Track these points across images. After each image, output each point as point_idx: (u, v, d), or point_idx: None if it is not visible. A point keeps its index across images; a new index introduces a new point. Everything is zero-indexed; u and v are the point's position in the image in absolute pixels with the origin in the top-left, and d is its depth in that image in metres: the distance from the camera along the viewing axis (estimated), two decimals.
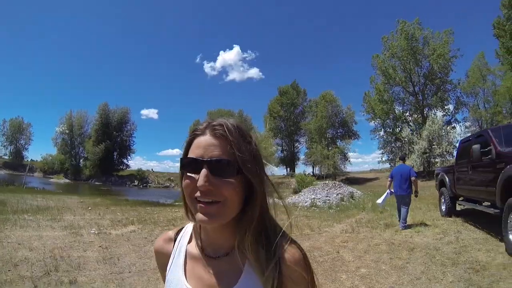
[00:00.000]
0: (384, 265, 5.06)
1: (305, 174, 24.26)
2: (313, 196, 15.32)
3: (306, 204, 14.26)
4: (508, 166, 4.80)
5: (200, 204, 0.69)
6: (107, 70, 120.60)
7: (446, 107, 34.01)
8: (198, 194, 0.69)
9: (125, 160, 63.02)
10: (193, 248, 0.81)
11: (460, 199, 7.75)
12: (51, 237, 7.17)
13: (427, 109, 33.88)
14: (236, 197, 0.70)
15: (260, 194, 0.73)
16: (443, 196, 8.51)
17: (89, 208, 12.82)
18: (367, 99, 37.08)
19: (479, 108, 35.16)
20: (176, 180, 57.90)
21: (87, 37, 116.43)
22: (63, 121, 61.42)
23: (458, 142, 9.24)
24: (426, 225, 7.56)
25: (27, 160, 68.20)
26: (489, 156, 5.58)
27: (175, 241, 0.86)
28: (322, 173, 36.92)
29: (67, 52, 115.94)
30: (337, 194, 15.62)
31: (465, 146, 7.23)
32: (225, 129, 0.70)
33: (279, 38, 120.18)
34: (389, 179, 7.97)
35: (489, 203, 5.93)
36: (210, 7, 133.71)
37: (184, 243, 0.84)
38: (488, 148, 5.66)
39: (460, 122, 35.11)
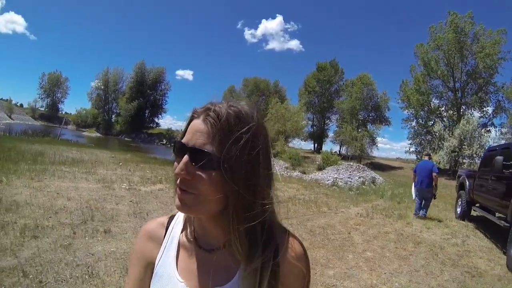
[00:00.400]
0: (388, 253, 5.42)
1: (331, 153, 24.33)
2: (335, 176, 15.58)
3: (328, 182, 14.56)
4: None
5: (178, 190, 0.66)
6: (146, 28, 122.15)
7: (484, 108, 32.41)
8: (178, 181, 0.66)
9: (155, 119, 65.09)
10: (186, 238, 0.76)
11: (476, 205, 7.81)
12: (86, 189, 7.80)
13: (464, 108, 32.54)
14: (212, 193, 0.64)
15: (233, 194, 0.65)
16: (460, 199, 8.60)
17: (120, 163, 13.52)
18: (404, 87, 35.84)
19: None
20: None
21: None
22: (99, 76, 63.86)
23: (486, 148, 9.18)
24: (439, 221, 7.80)
25: (62, 113, 71.77)
26: (510, 170, 5.66)
27: (167, 229, 0.79)
28: (348, 154, 36.81)
29: (108, 12, 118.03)
30: (359, 177, 15.82)
31: (491, 154, 7.23)
32: (216, 116, 0.64)
33: (323, 13, 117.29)
34: (413, 173, 8.36)
35: (502, 215, 6.04)
36: None
37: (177, 232, 0.78)
38: (511, 162, 5.73)
39: (497, 127, 33.39)
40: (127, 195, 7.76)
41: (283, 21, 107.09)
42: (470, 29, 30.79)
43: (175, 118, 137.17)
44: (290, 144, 35.43)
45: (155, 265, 0.75)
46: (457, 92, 32.98)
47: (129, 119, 57.79)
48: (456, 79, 32.64)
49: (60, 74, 71.56)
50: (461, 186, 8.74)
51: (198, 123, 0.65)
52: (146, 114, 63.26)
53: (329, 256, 4.99)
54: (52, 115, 68.12)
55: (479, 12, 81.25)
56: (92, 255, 4.20)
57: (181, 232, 0.78)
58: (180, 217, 0.81)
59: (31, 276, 3.52)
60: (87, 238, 4.75)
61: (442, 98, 34.22)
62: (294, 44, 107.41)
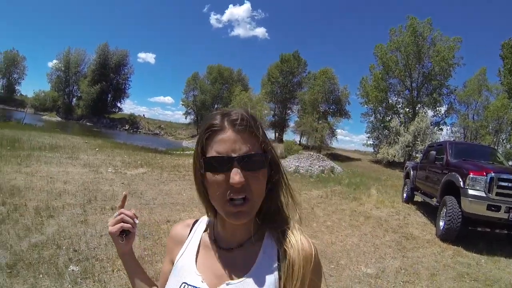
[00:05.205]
0: (344, 223, 6.78)
1: (294, 143, 25.51)
2: (297, 164, 16.27)
3: (290, 170, 15.25)
4: (450, 173, 6.36)
5: (234, 204, 0.69)
6: (108, 7, 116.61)
7: (438, 108, 35.26)
8: (230, 193, 0.68)
9: (118, 103, 63.37)
10: (207, 239, 0.82)
11: (418, 191, 9.19)
12: (76, 173, 8.20)
13: (419, 106, 34.92)
14: (263, 190, 0.72)
15: (281, 185, 0.75)
16: (406, 186, 10.10)
17: (97, 149, 13.75)
18: (363, 83, 37.62)
19: (468, 118, 36.71)
20: (166, 129, 58.08)
21: None
22: (60, 57, 60.20)
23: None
24: (386, 205, 9.16)
25: (18, 95, 66.37)
26: (441, 162, 7.16)
27: (191, 228, 0.87)
28: (309, 144, 38.09)
29: None
30: (319, 166, 16.63)
31: (429, 150, 8.72)
32: (247, 123, 0.69)
33: (292, 4, 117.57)
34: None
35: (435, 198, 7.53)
36: None
37: (200, 231, 0.85)
38: (441, 156, 7.22)
39: (448, 125, 36.65)
40: (116, 178, 8.32)
41: (250, 8, 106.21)
42: (428, 34, 32.97)
43: (135, 102, 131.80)
44: None
45: (176, 260, 0.82)
46: (413, 91, 35.28)
47: (91, 103, 55.93)
48: (413, 79, 34.92)
49: (17, 52, 65.69)
50: (407, 175, 10.25)
51: (230, 135, 0.69)
52: (109, 98, 61.49)
53: None
54: (8, 97, 62.44)
55: (440, 21, 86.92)
56: None
57: (204, 231, 0.85)
58: (204, 220, 0.88)
59: (65, 247, 4.03)
60: (98, 215, 5.36)
61: (400, 96, 36.47)
62: (260, 31, 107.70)
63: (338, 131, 43.65)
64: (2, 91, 65.24)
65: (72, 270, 3.56)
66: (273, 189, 0.76)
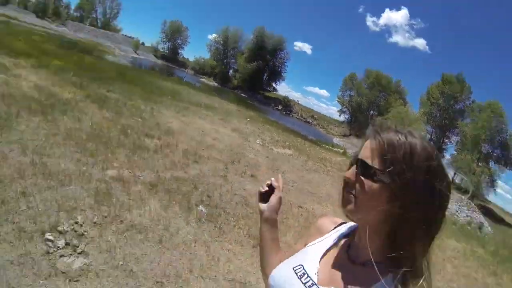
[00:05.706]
0: None
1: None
2: None
3: None
4: None
5: (343, 192, 0.75)
6: None
7: None
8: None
9: (273, 84, 65.82)
10: (343, 242, 0.84)
11: None
12: (225, 134, 8.94)
13: None
14: (369, 201, 0.71)
15: (417, 227, 0.68)
16: None
17: (248, 119, 14.67)
18: None
19: None
20: (319, 120, 59.17)
21: None
22: (219, 32, 66.48)
23: None
24: None
25: (181, 57, 76.16)
26: None
27: (336, 227, 0.91)
28: (462, 185, 32.53)
29: None
30: (466, 215, 14.38)
31: None
32: (382, 140, 0.71)
33: (457, 13, 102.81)
34: None
35: None
36: None
37: (340, 232, 0.88)
38: None
39: None
40: (261, 151, 8.73)
41: (408, 14, 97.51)
42: None
43: (291, 87, 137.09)
44: None
45: (309, 244, 0.90)
46: None
47: (247, 77, 59.31)
48: None
49: (180, 23, 75.23)
50: None
51: (368, 141, 0.75)
52: (264, 77, 64.36)
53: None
54: (172, 57, 71.77)
55: None
56: (245, 190, 5.15)
57: (345, 236, 0.86)
58: (348, 224, 0.89)
59: (200, 190, 4.52)
60: (237, 176, 5.77)
61: None
62: (419, 42, 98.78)
63: (499, 183, 36.18)
64: (168, 51, 75.56)
65: (201, 210, 3.98)
66: (403, 225, 0.69)
